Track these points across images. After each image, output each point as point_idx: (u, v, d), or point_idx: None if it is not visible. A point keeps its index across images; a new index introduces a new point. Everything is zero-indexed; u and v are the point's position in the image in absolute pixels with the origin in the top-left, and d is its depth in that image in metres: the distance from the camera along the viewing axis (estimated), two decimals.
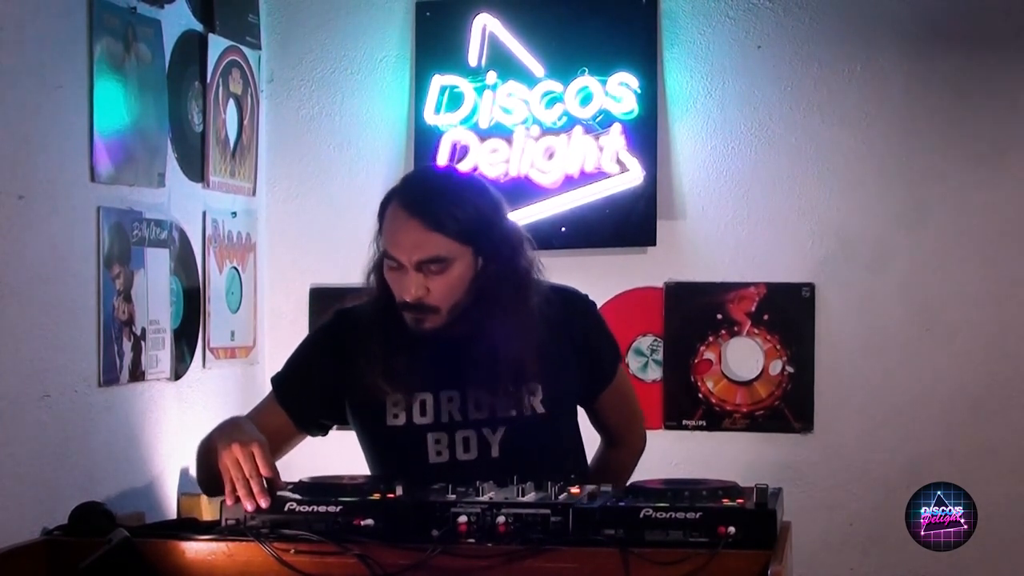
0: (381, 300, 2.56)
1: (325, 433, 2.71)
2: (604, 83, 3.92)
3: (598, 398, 2.73)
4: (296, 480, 2.42)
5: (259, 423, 2.53)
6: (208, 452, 2.45)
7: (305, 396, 2.65)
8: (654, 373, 3.97)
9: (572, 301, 2.70)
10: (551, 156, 3.94)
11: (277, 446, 2.57)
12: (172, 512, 3.47)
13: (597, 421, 2.78)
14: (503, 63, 3.97)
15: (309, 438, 2.71)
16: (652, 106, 3.92)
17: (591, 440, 2.82)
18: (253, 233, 4.03)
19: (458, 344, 2.53)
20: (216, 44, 3.75)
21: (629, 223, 3.93)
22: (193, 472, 3.47)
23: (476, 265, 2.50)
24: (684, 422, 3.95)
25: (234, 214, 3.89)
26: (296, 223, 4.13)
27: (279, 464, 2.58)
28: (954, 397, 3.82)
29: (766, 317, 3.91)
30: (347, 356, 2.59)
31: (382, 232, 2.52)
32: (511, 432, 2.56)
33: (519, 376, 2.54)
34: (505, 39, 3.97)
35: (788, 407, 3.90)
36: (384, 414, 2.58)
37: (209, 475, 2.42)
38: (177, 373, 3.55)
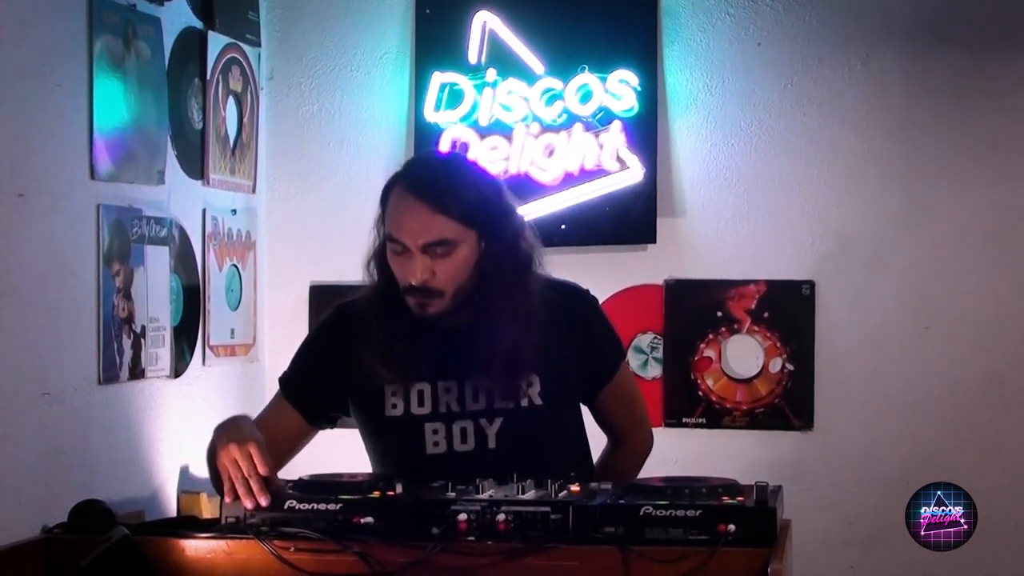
0: (381, 289, 2.56)
1: (334, 425, 2.71)
2: (604, 80, 3.92)
3: (599, 395, 2.72)
4: (296, 478, 2.43)
5: (270, 423, 2.54)
6: (213, 456, 2.45)
7: (312, 390, 2.65)
8: (654, 371, 3.97)
9: (574, 296, 2.70)
10: (551, 153, 3.94)
11: (290, 445, 2.60)
12: (172, 510, 3.47)
13: (600, 419, 2.77)
14: (503, 60, 3.97)
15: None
16: (652, 103, 3.92)
17: (598, 443, 2.81)
18: (253, 230, 4.03)
19: (457, 334, 2.53)
20: (216, 41, 3.75)
21: (629, 220, 3.93)
22: (192, 470, 3.49)
23: (480, 248, 2.50)
24: (684, 420, 3.95)
25: (234, 211, 3.89)
26: (296, 220, 4.12)
27: (291, 463, 2.59)
28: (954, 395, 3.83)
29: (766, 314, 3.91)
30: (347, 347, 2.59)
31: (386, 217, 2.52)
32: (508, 423, 2.56)
33: (517, 367, 2.53)
34: (505, 36, 3.97)
35: (788, 405, 3.90)
36: (383, 404, 2.59)
37: (218, 481, 2.42)
38: (177, 371, 3.55)
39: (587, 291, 2.74)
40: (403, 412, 2.58)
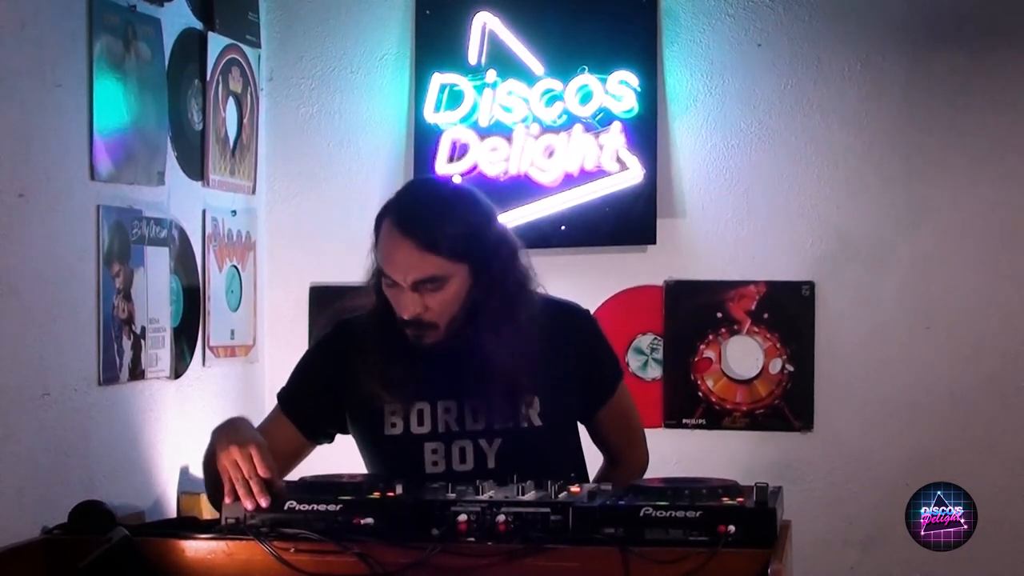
0: (379, 309, 2.57)
1: (332, 440, 2.72)
2: (604, 81, 3.92)
3: (597, 414, 2.72)
4: (296, 479, 2.43)
5: (268, 436, 2.53)
6: (211, 459, 2.45)
7: (310, 406, 2.66)
8: (654, 372, 3.97)
9: (572, 315, 2.71)
10: (551, 154, 3.94)
11: (288, 459, 2.61)
12: (172, 511, 3.47)
13: (597, 438, 2.78)
14: (503, 61, 3.97)
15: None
16: (652, 104, 3.91)
17: (594, 459, 2.81)
18: (253, 231, 4.03)
19: (456, 354, 2.53)
20: (216, 42, 3.75)
21: (629, 221, 3.93)
22: (192, 470, 3.49)
23: (472, 279, 2.50)
24: (684, 420, 3.95)
25: (234, 212, 3.89)
26: (296, 221, 4.12)
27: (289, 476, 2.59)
28: (954, 396, 3.82)
29: (766, 315, 3.91)
30: (347, 365, 2.60)
31: (378, 248, 2.52)
32: (508, 444, 2.57)
33: (516, 387, 2.54)
34: (505, 37, 3.97)
35: (788, 406, 3.90)
36: (382, 423, 2.59)
37: (215, 485, 2.42)
38: (177, 372, 3.55)
39: (586, 310, 2.75)
40: (402, 431, 2.58)
